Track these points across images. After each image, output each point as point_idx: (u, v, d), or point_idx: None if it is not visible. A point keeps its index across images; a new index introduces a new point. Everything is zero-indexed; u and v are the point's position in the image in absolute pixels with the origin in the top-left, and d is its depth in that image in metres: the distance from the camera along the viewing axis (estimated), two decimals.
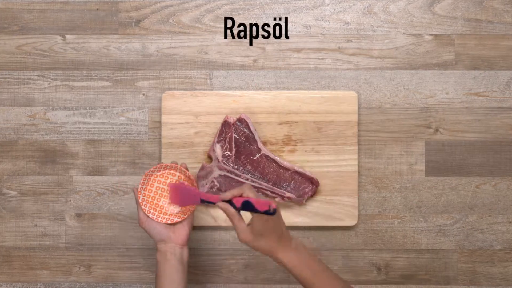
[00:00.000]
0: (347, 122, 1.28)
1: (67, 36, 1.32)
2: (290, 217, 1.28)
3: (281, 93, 1.29)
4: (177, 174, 1.17)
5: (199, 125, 1.28)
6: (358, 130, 1.29)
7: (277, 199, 1.26)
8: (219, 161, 1.26)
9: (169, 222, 1.14)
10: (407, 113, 1.30)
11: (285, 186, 1.27)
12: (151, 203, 1.16)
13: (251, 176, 1.26)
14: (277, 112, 1.28)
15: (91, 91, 1.32)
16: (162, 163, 1.17)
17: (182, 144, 1.28)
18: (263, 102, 1.28)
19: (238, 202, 0.99)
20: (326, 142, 1.28)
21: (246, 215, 1.02)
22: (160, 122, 1.30)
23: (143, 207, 1.14)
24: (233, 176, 1.25)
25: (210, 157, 1.29)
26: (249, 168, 1.26)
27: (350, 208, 1.28)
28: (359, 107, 1.29)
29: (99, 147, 1.31)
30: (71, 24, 1.32)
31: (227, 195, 0.99)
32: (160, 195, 1.17)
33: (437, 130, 1.30)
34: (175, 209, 1.16)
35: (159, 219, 1.14)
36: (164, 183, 1.17)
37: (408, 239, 1.30)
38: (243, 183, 1.25)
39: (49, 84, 1.32)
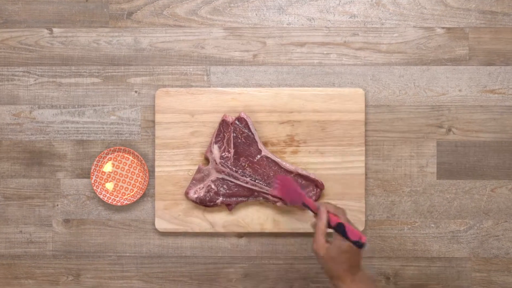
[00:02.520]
0: (354, 122, 1.27)
1: (54, 30, 1.31)
2: (292, 222, 1.27)
3: (283, 90, 1.28)
4: (130, 158, 1.26)
5: (195, 124, 1.28)
6: (365, 130, 1.29)
7: (278, 204, 1.24)
8: (216, 163, 1.24)
9: (119, 204, 1.26)
10: (417, 112, 1.30)
11: None
12: (103, 185, 1.27)
13: (251, 179, 1.25)
14: (278, 111, 1.28)
15: (79, 88, 1.31)
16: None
17: (177, 145, 1.28)
18: (263, 100, 1.28)
19: (333, 220, 1.03)
20: (331, 143, 1.28)
21: None
22: (153, 121, 1.30)
23: (94, 188, 1.26)
24: (231, 179, 1.24)
25: (207, 159, 1.28)
26: (249, 170, 1.25)
27: (356, 213, 1.27)
28: (366, 105, 1.29)
29: (88, 148, 1.31)
30: (59, 16, 1.31)
31: (325, 205, 1.06)
32: (113, 177, 1.27)
33: (449, 130, 1.30)
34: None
35: (110, 201, 1.26)
36: (117, 166, 1.27)
37: (418, 246, 1.30)
38: (242, 186, 1.24)
39: (35, 80, 1.31)
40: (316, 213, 1.07)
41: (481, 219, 1.30)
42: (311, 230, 1.23)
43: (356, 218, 1.26)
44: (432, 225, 1.30)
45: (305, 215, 1.27)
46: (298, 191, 1.11)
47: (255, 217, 1.28)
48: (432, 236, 1.30)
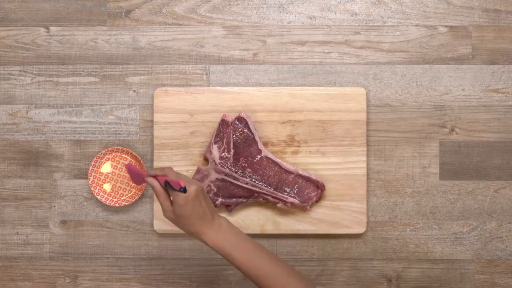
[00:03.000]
0: (355, 121, 1.27)
1: (52, 28, 1.31)
2: (293, 224, 1.27)
3: (283, 89, 1.28)
4: (128, 158, 1.27)
5: (194, 124, 1.28)
6: (367, 130, 1.29)
7: (279, 205, 1.24)
8: (216, 164, 1.23)
9: (117, 205, 1.26)
10: (420, 112, 1.29)
11: (288, 191, 1.25)
12: (101, 186, 1.27)
13: (250, 180, 1.24)
14: (279, 111, 1.27)
15: (77, 87, 1.31)
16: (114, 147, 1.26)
17: (176, 145, 1.28)
18: (263, 99, 1.27)
19: (161, 181, 1.02)
20: (332, 143, 1.27)
21: None
22: (152, 121, 1.29)
23: (92, 188, 1.26)
24: (231, 179, 1.23)
25: (206, 159, 1.28)
26: (249, 171, 1.25)
27: (358, 214, 1.27)
28: (368, 105, 1.29)
29: (86, 148, 1.31)
30: (56, 15, 1.31)
31: (151, 172, 1.04)
32: (111, 178, 1.28)
33: (452, 130, 1.29)
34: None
35: (107, 202, 1.26)
36: (115, 167, 1.27)
37: (421, 248, 1.29)
38: (242, 187, 1.24)
39: (31, 80, 1.31)
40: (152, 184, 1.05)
41: (484, 221, 1.29)
42: (312, 231, 1.27)
43: (357, 220, 1.26)
44: (435, 226, 1.29)
45: (306, 216, 1.27)
46: (138, 172, 1.09)
47: (255, 218, 1.27)
48: (434, 238, 1.29)
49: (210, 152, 1.25)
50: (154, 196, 1.28)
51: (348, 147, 1.27)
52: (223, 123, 1.25)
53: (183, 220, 1.01)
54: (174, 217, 1.02)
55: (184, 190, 0.98)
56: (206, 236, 1.02)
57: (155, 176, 1.03)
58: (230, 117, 1.25)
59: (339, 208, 1.27)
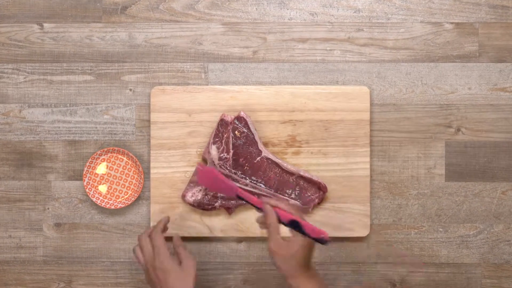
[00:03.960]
0: (358, 121, 1.27)
1: (45, 25, 1.31)
2: None
3: (284, 88, 1.27)
4: (124, 159, 1.27)
5: (192, 124, 1.27)
6: (371, 130, 1.28)
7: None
8: (215, 165, 1.22)
9: (112, 207, 1.26)
10: (425, 111, 1.29)
11: (289, 193, 1.25)
12: (96, 187, 1.27)
13: (250, 181, 1.23)
14: (279, 110, 1.27)
15: (71, 86, 1.31)
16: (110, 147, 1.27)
17: (174, 146, 1.27)
18: (264, 98, 1.27)
19: (285, 217, 1.04)
20: (334, 143, 1.27)
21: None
22: (148, 120, 1.29)
23: (87, 190, 1.26)
24: None
25: (205, 160, 1.27)
26: (249, 172, 1.23)
27: (361, 217, 1.27)
28: (371, 104, 1.29)
29: (80, 148, 1.30)
30: (50, 11, 1.31)
31: (273, 202, 1.06)
32: (106, 180, 1.27)
33: (458, 130, 1.29)
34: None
35: (103, 204, 1.26)
36: (110, 168, 1.27)
37: (426, 251, 1.29)
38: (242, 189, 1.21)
39: (24, 78, 1.31)
40: (259, 208, 1.08)
41: (491, 223, 1.29)
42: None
43: (360, 222, 1.26)
44: (440, 229, 1.29)
45: (308, 218, 1.23)
46: (227, 184, 1.10)
47: (255, 220, 1.24)
48: (440, 241, 1.29)
49: (209, 152, 1.24)
50: (152, 199, 1.27)
51: (351, 147, 1.27)
52: (222, 122, 1.24)
53: (289, 260, 1.04)
54: (281, 254, 1.04)
55: (324, 242, 1.02)
56: (299, 280, 1.04)
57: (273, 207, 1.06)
58: (230, 117, 1.24)
59: (341, 210, 1.27)
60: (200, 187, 1.24)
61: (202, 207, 1.24)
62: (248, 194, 1.09)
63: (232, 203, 1.24)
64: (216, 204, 1.23)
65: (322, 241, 1.02)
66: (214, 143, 1.24)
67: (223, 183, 1.10)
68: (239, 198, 1.09)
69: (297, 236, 1.04)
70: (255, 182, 1.24)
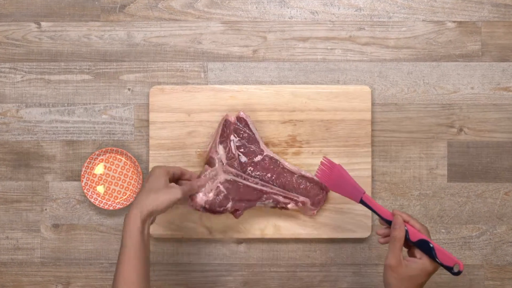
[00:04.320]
0: (359, 121, 1.27)
1: (43, 24, 1.31)
2: (294, 228, 1.27)
3: (284, 88, 1.27)
4: (123, 159, 1.27)
5: (191, 124, 1.27)
6: (372, 130, 1.28)
7: (290, 206, 1.23)
8: (223, 164, 1.22)
9: (111, 208, 1.26)
10: (427, 111, 1.29)
11: (299, 191, 1.24)
12: (94, 188, 1.27)
13: (260, 180, 1.22)
14: (280, 110, 1.27)
15: (69, 85, 1.30)
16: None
17: (173, 146, 1.27)
18: (264, 98, 1.27)
19: (414, 235, 1.01)
20: (335, 144, 1.27)
21: None
22: (147, 120, 1.29)
23: (85, 191, 1.26)
24: (241, 180, 1.21)
25: (207, 162, 1.25)
26: (254, 171, 1.23)
27: (362, 218, 1.27)
28: (372, 104, 1.29)
29: (78, 149, 1.30)
30: (47, 9, 1.31)
31: (404, 216, 1.03)
32: (105, 180, 1.27)
33: (461, 130, 1.29)
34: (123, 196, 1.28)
35: (101, 205, 1.26)
36: (109, 168, 1.27)
37: None
38: (251, 188, 1.21)
39: (22, 77, 1.30)
40: (384, 219, 1.05)
41: (494, 224, 1.29)
42: (314, 236, 1.26)
43: (362, 223, 1.26)
44: (443, 230, 1.29)
45: (308, 220, 1.26)
46: (354, 186, 1.08)
47: (255, 222, 1.27)
48: (442, 242, 1.29)
49: (216, 152, 1.22)
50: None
51: (352, 147, 1.26)
52: (226, 123, 1.23)
53: (407, 281, 1.00)
54: (398, 272, 1.00)
55: (457, 273, 0.98)
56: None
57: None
58: (233, 117, 1.23)
59: (342, 211, 1.26)
60: (210, 187, 1.21)
61: (214, 210, 1.19)
62: (374, 201, 1.06)
63: (242, 205, 1.22)
64: (228, 205, 1.20)
65: (452, 270, 0.98)
66: (220, 142, 1.23)
67: (349, 184, 1.08)
68: (363, 203, 1.06)
69: (423, 258, 1.00)
70: (264, 180, 1.22)
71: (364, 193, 1.08)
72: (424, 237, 1.01)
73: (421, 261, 1.01)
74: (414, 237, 1.01)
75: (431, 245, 1.00)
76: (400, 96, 1.29)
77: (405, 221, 1.03)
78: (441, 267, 1.02)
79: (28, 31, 1.30)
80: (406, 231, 1.02)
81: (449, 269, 0.99)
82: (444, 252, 0.99)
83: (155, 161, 1.26)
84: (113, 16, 1.30)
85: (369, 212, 1.25)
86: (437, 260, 0.99)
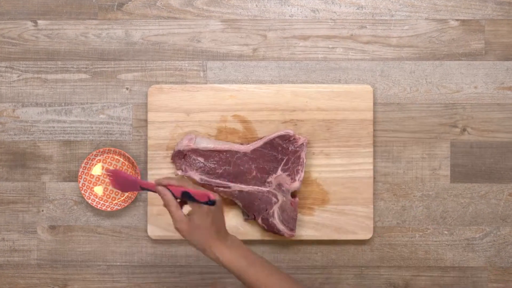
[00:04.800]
0: (361, 121, 1.26)
1: (39, 22, 1.30)
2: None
3: (285, 87, 1.27)
4: (121, 159, 1.27)
5: (191, 124, 1.27)
6: (374, 130, 1.28)
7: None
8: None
9: (108, 209, 1.26)
10: (429, 110, 1.29)
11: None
12: (92, 189, 1.27)
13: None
14: (280, 109, 1.27)
15: (66, 85, 1.30)
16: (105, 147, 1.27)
17: (172, 146, 1.27)
18: (264, 97, 1.26)
19: (176, 191, 1.03)
20: (336, 144, 1.27)
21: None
22: (146, 120, 1.29)
23: (82, 192, 1.26)
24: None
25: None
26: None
27: (364, 219, 1.26)
28: (374, 103, 1.28)
29: (76, 149, 1.30)
30: (44, 7, 1.31)
31: (163, 181, 1.05)
32: (102, 181, 1.27)
33: (464, 130, 1.29)
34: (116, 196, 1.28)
35: (99, 206, 1.26)
36: (106, 169, 1.27)
37: (431, 255, 1.29)
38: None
39: (18, 76, 1.30)
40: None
41: (498, 226, 1.28)
42: (315, 237, 1.26)
43: (363, 225, 1.26)
44: (446, 232, 1.28)
45: (308, 221, 1.26)
46: (130, 179, 1.10)
47: (255, 223, 1.26)
48: (445, 244, 1.28)
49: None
50: (149, 201, 1.26)
51: (354, 148, 1.26)
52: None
53: (198, 232, 1.03)
54: (188, 229, 1.03)
55: (212, 203, 1.00)
56: (218, 250, 1.04)
57: (166, 186, 1.04)
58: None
59: (344, 212, 1.26)
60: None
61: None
62: (147, 182, 1.08)
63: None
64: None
65: (211, 203, 1.00)
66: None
67: (128, 180, 1.09)
68: (142, 189, 1.08)
69: (193, 206, 1.02)
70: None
71: (140, 181, 1.09)
72: (182, 188, 1.02)
73: (193, 209, 1.02)
74: (178, 193, 1.03)
75: (187, 191, 1.01)
76: (403, 95, 1.28)
77: (167, 185, 1.04)
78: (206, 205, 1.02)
79: (24, 29, 1.29)
80: (172, 193, 1.03)
81: (208, 203, 1.00)
82: (199, 193, 1.00)
83: (153, 162, 1.26)
84: (111, 14, 1.29)
85: (371, 213, 1.25)
86: (197, 201, 1.00)
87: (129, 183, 1.09)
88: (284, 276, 1.06)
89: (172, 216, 1.03)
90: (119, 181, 1.11)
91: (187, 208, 1.05)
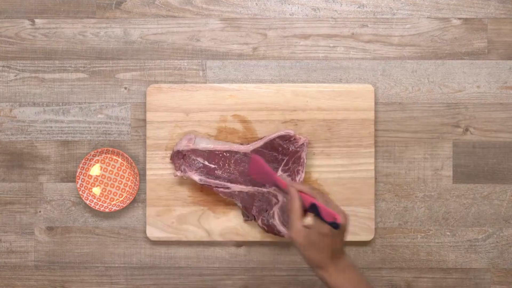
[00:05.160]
0: (362, 121, 1.26)
1: (37, 21, 1.30)
2: None
3: (285, 86, 1.27)
4: (119, 160, 1.27)
5: (190, 124, 1.27)
6: (375, 130, 1.28)
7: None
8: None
9: (107, 210, 1.25)
10: (431, 110, 1.29)
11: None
12: (90, 189, 1.26)
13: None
14: (280, 109, 1.27)
15: (64, 84, 1.30)
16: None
17: (171, 146, 1.27)
18: (264, 97, 1.26)
19: (306, 200, 1.01)
20: (337, 144, 1.27)
21: None
22: (144, 120, 1.29)
23: (80, 193, 1.25)
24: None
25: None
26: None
27: (365, 220, 1.26)
28: (376, 103, 1.28)
29: (73, 149, 1.30)
30: (41, 6, 1.31)
31: (297, 185, 1.03)
32: (100, 181, 1.27)
33: (466, 130, 1.29)
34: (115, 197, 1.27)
35: (97, 207, 1.26)
36: (105, 169, 1.27)
37: (433, 256, 1.29)
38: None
39: (15, 76, 1.30)
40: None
41: (501, 227, 1.28)
42: None
43: (365, 226, 1.26)
44: (448, 233, 1.28)
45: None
46: (267, 170, 1.09)
47: (255, 224, 1.26)
48: (447, 245, 1.28)
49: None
50: (148, 202, 1.26)
51: (355, 148, 1.26)
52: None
53: (312, 249, 0.99)
54: (303, 242, 0.99)
55: (336, 226, 0.97)
56: (328, 273, 1.00)
57: (298, 190, 1.02)
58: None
59: None
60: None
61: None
62: (281, 180, 1.06)
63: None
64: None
65: (334, 225, 0.97)
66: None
67: (264, 170, 1.09)
68: (275, 185, 1.07)
69: (316, 222, 0.99)
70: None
71: (274, 173, 1.09)
72: (313, 200, 1.00)
73: (315, 224, 1.00)
74: (307, 203, 1.00)
75: (316, 204, 0.99)
76: (404, 95, 1.28)
77: (299, 191, 1.02)
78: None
79: (21, 28, 1.29)
80: (302, 201, 1.01)
81: (332, 224, 0.97)
82: (326, 210, 0.98)
83: (152, 162, 1.26)
84: (109, 12, 1.29)
85: (372, 214, 1.25)
86: (322, 217, 0.98)
87: (265, 174, 1.08)
88: None
89: (291, 223, 1.00)
90: (257, 168, 1.10)
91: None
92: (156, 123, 1.26)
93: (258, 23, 1.29)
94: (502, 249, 1.28)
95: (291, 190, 1.02)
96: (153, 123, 1.26)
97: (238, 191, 1.22)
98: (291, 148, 1.23)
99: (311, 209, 0.99)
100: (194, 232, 1.26)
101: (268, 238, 1.25)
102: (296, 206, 1.00)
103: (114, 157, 1.27)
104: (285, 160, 1.22)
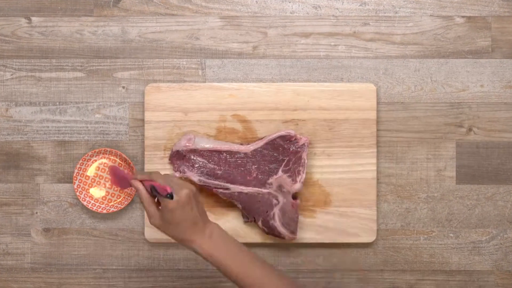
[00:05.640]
0: (364, 120, 1.26)
1: (33, 19, 1.30)
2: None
3: (286, 86, 1.27)
4: (117, 160, 1.27)
5: (189, 123, 1.27)
6: (377, 130, 1.28)
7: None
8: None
9: (104, 211, 1.25)
10: (434, 110, 1.29)
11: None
12: (87, 190, 1.27)
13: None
14: (281, 109, 1.27)
15: (61, 83, 1.30)
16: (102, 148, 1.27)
17: (169, 146, 1.27)
18: (264, 96, 1.27)
19: (147, 186, 1.04)
20: (339, 144, 1.27)
21: None
22: (142, 120, 1.29)
23: (77, 193, 1.25)
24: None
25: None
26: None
27: (367, 221, 1.26)
28: (378, 103, 1.28)
29: (70, 149, 1.30)
30: (38, 4, 1.31)
31: (139, 176, 1.06)
32: (98, 182, 1.27)
33: (470, 130, 1.29)
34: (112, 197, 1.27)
35: (94, 208, 1.25)
36: (102, 170, 1.27)
37: (436, 258, 1.29)
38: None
39: (11, 75, 1.30)
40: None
41: (505, 228, 1.28)
42: (317, 240, 1.27)
43: (366, 227, 1.26)
44: (451, 235, 1.28)
45: (310, 224, 1.26)
46: (124, 175, 1.11)
47: (255, 226, 1.26)
48: (451, 247, 1.28)
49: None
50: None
51: (357, 148, 1.26)
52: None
53: (172, 227, 1.03)
54: (162, 224, 1.03)
55: (170, 197, 1.00)
56: (196, 243, 1.03)
57: (141, 180, 1.05)
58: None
59: (346, 215, 1.26)
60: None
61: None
62: (129, 175, 1.09)
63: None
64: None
65: (169, 196, 0.99)
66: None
67: (122, 176, 1.11)
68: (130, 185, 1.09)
69: (162, 201, 1.02)
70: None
71: (128, 174, 1.10)
72: (151, 182, 1.02)
73: (162, 203, 1.02)
74: (147, 187, 1.03)
75: (152, 185, 1.01)
76: (407, 94, 1.28)
77: (142, 180, 1.05)
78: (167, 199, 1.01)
79: (18, 26, 1.29)
80: (146, 187, 1.04)
81: (168, 196, 0.99)
82: (160, 186, 1.01)
83: (151, 162, 1.25)
84: (107, 11, 1.29)
85: (374, 215, 1.25)
86: (161, 194, 1.00)
87: (125, 180, 1.10)
88: (268, 268, 1.05)
89: (146, 212, 1.04)
90: (117, 177, 1.12)
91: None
92: (155, 123, 1.26)
93: (258, 21, 1.28)
94: (506, 251, 1.28)
95: (133, 182, 1.05)
96: (151, 123, 1.26)
97: (238, 192, 1.22)
98: (292, 148, 1.22)
99: (153, 191, 1.02)
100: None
101: (268, 239, 1.25)
102: (142, 194, 1.03)
103: (112, 158, 1.26)
104: (285, 161, 1.22)
